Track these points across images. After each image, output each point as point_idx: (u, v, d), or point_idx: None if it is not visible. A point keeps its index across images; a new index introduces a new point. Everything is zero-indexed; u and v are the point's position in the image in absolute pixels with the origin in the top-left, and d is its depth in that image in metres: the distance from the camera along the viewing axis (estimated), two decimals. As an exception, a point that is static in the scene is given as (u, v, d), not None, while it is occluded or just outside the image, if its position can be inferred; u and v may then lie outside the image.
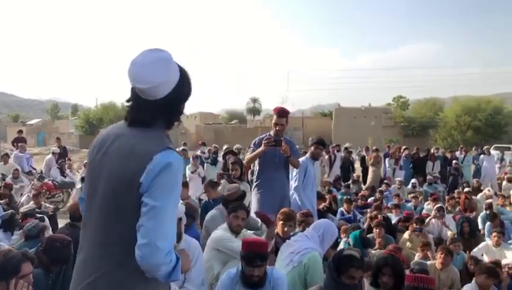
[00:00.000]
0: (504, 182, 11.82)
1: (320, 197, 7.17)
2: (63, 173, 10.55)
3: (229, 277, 3.09)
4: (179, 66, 1.68)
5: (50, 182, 9.59)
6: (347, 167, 12.57)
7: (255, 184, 5.04)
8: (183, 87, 1.66)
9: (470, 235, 6.21)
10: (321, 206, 6.89)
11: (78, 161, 16.79)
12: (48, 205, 7.48)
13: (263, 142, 4.74)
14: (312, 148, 5.34)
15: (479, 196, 9.63)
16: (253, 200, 5.08)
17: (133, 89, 1.64)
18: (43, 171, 11.00)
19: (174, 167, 1.55)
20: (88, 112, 48.82)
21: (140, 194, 1.51)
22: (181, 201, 5.74)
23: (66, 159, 12.20)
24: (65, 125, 52.18)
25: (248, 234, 3.97)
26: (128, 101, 1.68)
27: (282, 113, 4.86)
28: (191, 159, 10.29)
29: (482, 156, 13.27)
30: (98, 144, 1.69)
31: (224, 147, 11.58)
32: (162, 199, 1.51)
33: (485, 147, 14.15)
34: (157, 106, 1.62)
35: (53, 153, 11.93)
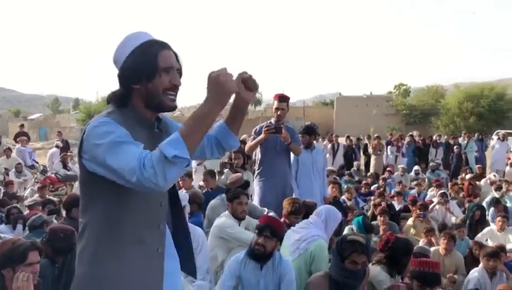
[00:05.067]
0: (507, 167, 11.78)
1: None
2: (65, 166, 10.55)
3: (237, 260, 3.16)
4: (145, 42, 1.59)
5: (53, 175, 9.62)
6: (350, 155, 12.61)
7: (257, 172, 5.02)
8: (131, 59, 1.58)
9: (477, 222, 6.21)
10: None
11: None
12: (52, 198, 7.50)
13: (263, 129, 4.71)
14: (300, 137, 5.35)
15: (482, 181, 9.60)
16: (255, 188, 5.08)
17: None
18: (47, 165, 11.01)
19: (93, 125, 1.49)
20: (89, 105, 48.78)
21: (86, 168, 1.51)
22: (184, 190, 5.78)
23: (68, 152, 12.21)
24: (66, 120, 52.09)
25: (253, 222, 3.96)
26: None
27: (282, 98, 4.84)
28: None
29: (493, 140, 13.09)
30: None
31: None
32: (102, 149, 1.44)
33: (501, 132, 13.86)
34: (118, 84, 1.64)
35: (56, 147, 11.95)
